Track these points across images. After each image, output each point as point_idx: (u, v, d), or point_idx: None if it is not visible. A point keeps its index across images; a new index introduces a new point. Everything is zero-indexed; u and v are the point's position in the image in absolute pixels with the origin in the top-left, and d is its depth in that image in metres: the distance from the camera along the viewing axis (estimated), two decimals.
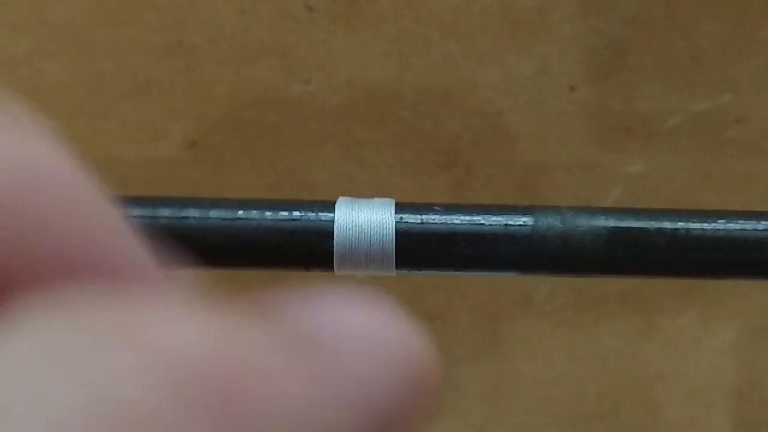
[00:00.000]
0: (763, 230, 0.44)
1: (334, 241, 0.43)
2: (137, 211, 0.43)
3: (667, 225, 0.44)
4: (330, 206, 0.44)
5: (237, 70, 0.67)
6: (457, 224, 0.44)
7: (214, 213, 0.44)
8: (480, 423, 0.77)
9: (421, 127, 0.68)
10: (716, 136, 0.68)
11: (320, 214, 0.44)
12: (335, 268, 0.44)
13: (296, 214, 0.44)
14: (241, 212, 0.44)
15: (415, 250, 0.44)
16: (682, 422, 0.76)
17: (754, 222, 0.44)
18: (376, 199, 0.44)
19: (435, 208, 0.45)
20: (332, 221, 0.44)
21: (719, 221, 0.44)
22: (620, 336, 0.74)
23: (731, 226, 0.44)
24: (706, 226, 0.44)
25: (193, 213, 0.43)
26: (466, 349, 0.75)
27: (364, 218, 0.43)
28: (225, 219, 0.44)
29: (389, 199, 0.45)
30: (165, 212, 0.43)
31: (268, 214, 0.44)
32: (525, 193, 0.69)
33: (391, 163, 0.69)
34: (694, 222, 0.44)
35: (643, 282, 0.72)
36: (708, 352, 0.75)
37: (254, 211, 0.44)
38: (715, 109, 0.68)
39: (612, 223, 0.44)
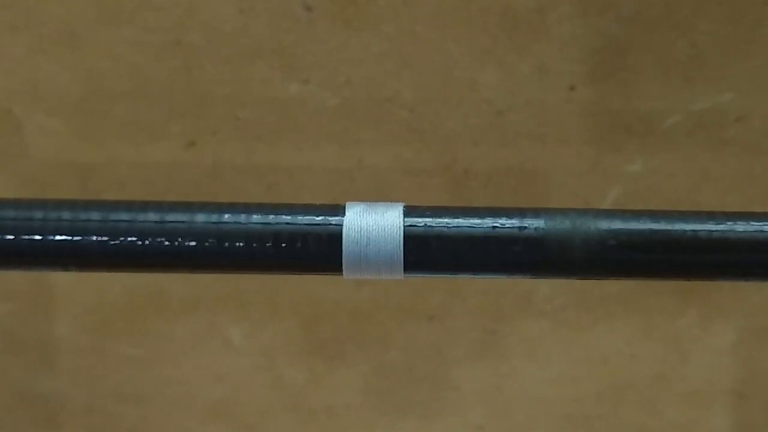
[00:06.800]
0: (764, 232, 0.44)
1: (343, 246, 0.43)
2: (151, 216, 0.43)
3: (672, 227, 0.44)
4: (339, 210, 0.44)
5: (236, 69, 0.67)
6: (467, 228, 0.43)
7: (226, 217, 0.43)
8: (480, 423, 0.77)
9: (421, 127, 0.68)
10: (716, 135, 0.68)
11: (329, 218, 0.43)
12: (344, 272, 0.43)
13: (305, 218, 0.44)
14: (255, 216, 0.43)
15: (423, 255, 0.43)
16: (681, 422, 0.76)
17: (756, 223, 0.44)
18: (384, 203, 0.44)
19: (444, 211, 0.44)
20: (341, 225, 0.43)
21: (725, 223, 0.44)
22: (620, 336, 0.74)
23: (735, 227, 0.44)
24: (709, 227, 0.44)
25: (203, 218, 0.43)
26: (466, 349, 0.75)
27: (373, 222, 0.43)
28: (236, 223, 0.43)
29: (398, 203, 0.44)
30: (173, 217, 0.43)
31: (277, 217, 0.44)
32: (524, 192, 0.69)
33: (390, 162, 0.69)
34: (699, 224, 0.44)
35: (643, 282, 0.72)
36: (708, 352, 0.74)
37: (265, 215, 0.44)
38: (715, 108, 0.67)
39: (621, 225, 0.44)
